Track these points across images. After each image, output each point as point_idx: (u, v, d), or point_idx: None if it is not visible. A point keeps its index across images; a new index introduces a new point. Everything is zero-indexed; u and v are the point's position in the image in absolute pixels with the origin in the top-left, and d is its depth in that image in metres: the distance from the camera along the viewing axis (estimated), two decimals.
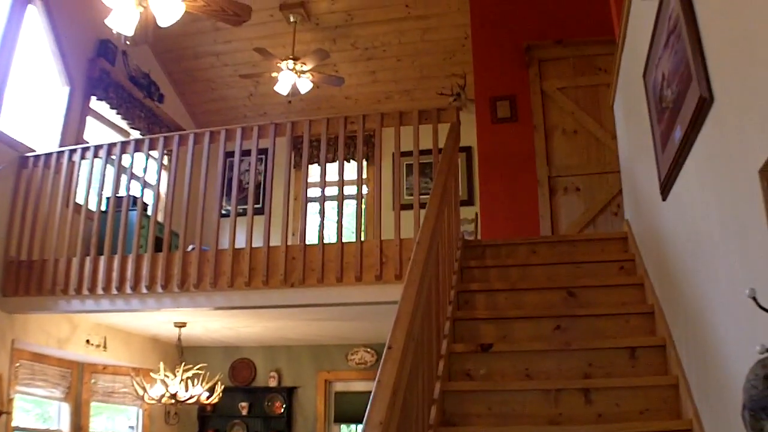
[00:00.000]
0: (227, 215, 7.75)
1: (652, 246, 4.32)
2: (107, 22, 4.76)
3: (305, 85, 8.62)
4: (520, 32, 7.45)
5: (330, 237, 6.43)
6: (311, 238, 7.20)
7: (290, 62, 8.47)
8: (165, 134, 6.67)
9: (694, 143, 2.90)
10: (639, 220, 4.83)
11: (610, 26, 5.63)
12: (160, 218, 7.57)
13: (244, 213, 6.48)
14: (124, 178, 6.80)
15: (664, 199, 3.64)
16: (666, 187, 3.51)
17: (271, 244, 5.92)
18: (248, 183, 6.31)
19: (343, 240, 5.78)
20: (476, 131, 7.39)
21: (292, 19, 8.82)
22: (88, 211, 6.57)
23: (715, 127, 2.62)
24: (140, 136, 7.87)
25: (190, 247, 6.26)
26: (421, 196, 5.65)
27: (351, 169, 9.01)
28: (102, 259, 6.29)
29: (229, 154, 6.35)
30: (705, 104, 2.62)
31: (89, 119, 8.14)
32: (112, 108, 8.39)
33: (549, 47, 7.20)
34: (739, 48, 2.28)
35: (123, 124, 8.77)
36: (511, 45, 7.42)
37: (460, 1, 8.18)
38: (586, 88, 7.04)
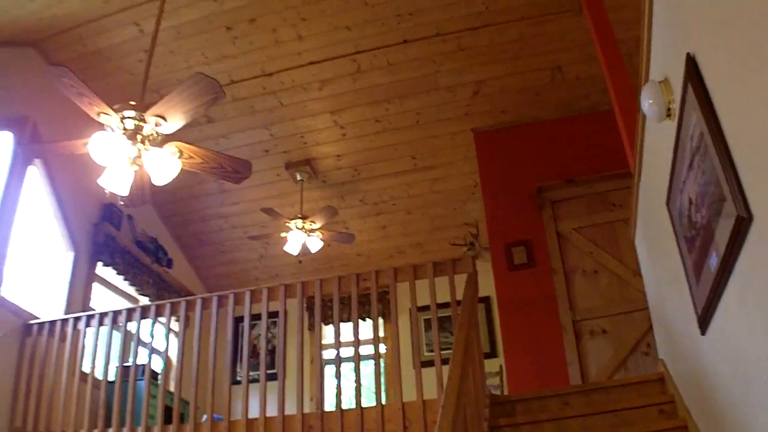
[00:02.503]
0: (239, 382, 7.45)
1: (693, 384, 4.00)
2: (100, 181, 4.61)
3: (315, 243, 8.46)
4: (529, 175, 7.35)
5: (349, 400, 6.14)
6: (329, 402, 6.93)
7: (299, 221, 8.34)
8: (172, 300, 6.47)
9: (734, 268, 2.64)
10: (675, 358, 4.52)
11: (621, 159, 5.48)
12: (168, 385, 7.30)
13: (257, 379, 6.18)
14: (132, 345, 6.56)
15: (703, 333, 3.35)
16: (704, 320, 3.23)
17: (287, 413, 5.59)
18: (261, 347, 6.04)
19: (363, 404, 5.43)
20: (494, 280, 7.15)
21: (298, 178, 8.76)
22: (95, 379, 6.30)
23: (757, 247, 2.36)
24: (147, 303, 7.64)
25: (203, 418, 5.95)
26: (443, 352, 5.38)
27: (367, 327, 8.78)
28: None
29: (241, 318, 6.14)
30: (743, 224, 2.37)
31: (95, 285, 7.93)
32: (118, 274, 8.20)
33: (560, 187, 7.06)
34: None
35: (131, 290, 8.57)
36: (521, 189, 7.30)
37: (466, 149, 8.11)
38: (603, 226, 6.86)
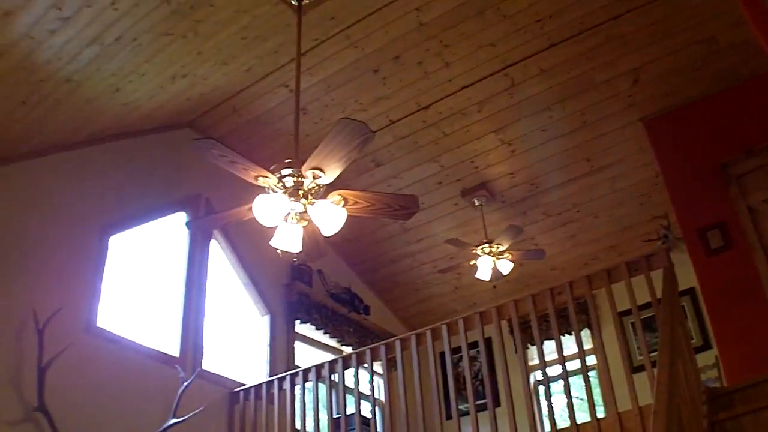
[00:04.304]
0: (452, 417, 7.41)
1: None
2: (272, 243, 4.71)
3: (506, 266, 8.36)
4: (708, 153, 6.94)
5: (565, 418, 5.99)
6: (545, 425, 6.80)
7: (485, 246, 8.28)
8: (371, 346, 6.55)
9: None
10: None
11: None
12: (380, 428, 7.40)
13: (467, 412, 6.13)
14: (339, 395, 6.66)
15: None
16: None
17: None
18: (467, 378, 6.00)
19: (578, 421, 5.28)
20: (693, 269, 6.80)
21: (477, 203, 8.68)
22: None
23: None
24: (348, 352, 7.76)
25: None
26: (652, 354, 5.15)
27: (573, 341, 8.52)
28: None
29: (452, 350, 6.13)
30: None
31: (297, 344, 8.16)
32: (318, 329, 8.42)
33: (742, 160, 6.60)
34: None
35: (332, 342, 8.74)
36: (703, 169, 6.92)
37: (639, 141, 7.77)
38: None
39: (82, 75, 5.63)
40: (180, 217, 7.37)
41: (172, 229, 7.34)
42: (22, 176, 6.08)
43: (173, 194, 7.33)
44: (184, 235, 7.37)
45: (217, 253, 7.70)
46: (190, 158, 7.20)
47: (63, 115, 6.02)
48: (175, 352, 6.80)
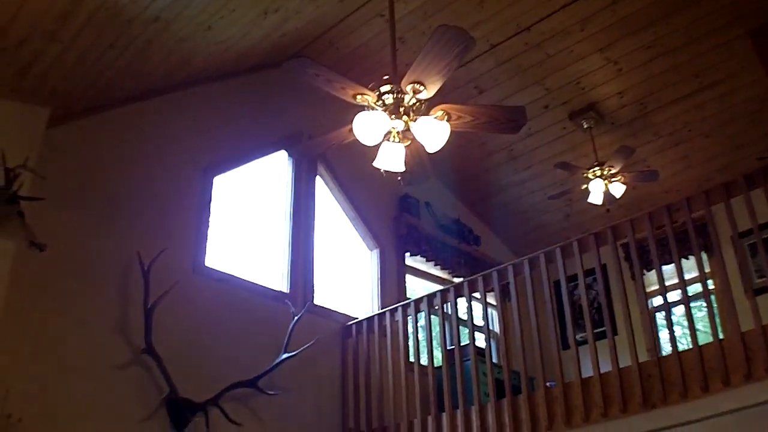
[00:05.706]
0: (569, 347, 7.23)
1: None
2: (375, 164, 4.58)
3: (618, 189, 8.05)
4: None
5: (686, 342, 5.78)
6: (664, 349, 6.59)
7: (596, 169, 7.99)
8: (482, 273, 6.43)
9: None
10: None
11: None
12: (495, 359, 7.30)
13: (584, 341, 5.94)
14: (453, 326, 6.57)
15: None
16: None
17: (621, 366, 5.33)
18: (592, 306, 5.82)
19: (699, 343, 5.06)
20: None
21: (585, 126, 8.37)
22: (422, 367, 6.38)
23: None
24: (459, 281, 7.65)
25: (549, 384, 5.78)
26: None
27: (692, 265, 8.22)
28: (444, 417, 6.00)
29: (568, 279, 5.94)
30: None
31: (408, 277, 8.16)
32: (428, 261, 8.41)
33: None
34: None
35: (443, 274, 8.69)
36: None
37: (747, 54, 7.30)
38: None
39: (171, 13, 5.43)
40: (282, 156, 7.36)
41: (275, 167, 7.34)
42: (121, 122, 6.14)
43: (275, 132, 7.32)
44: (288, 172, 7.37)
45: (323, 190, 7.68)
46: (290, 96, 7.24)
47: (155, 57, 5.93)
48: (284, 288, 6.81)
